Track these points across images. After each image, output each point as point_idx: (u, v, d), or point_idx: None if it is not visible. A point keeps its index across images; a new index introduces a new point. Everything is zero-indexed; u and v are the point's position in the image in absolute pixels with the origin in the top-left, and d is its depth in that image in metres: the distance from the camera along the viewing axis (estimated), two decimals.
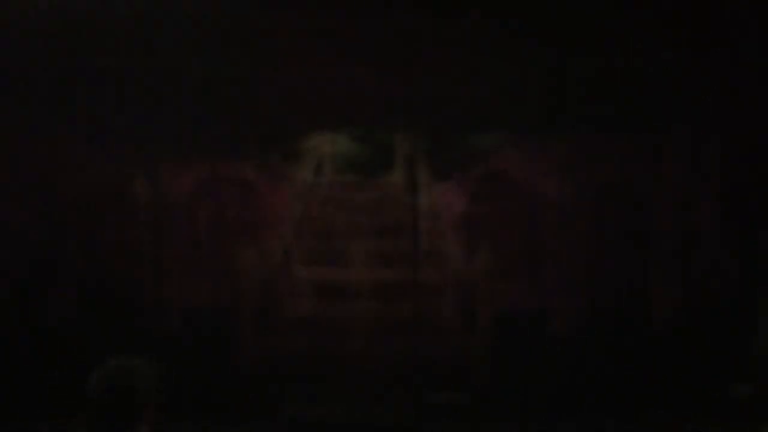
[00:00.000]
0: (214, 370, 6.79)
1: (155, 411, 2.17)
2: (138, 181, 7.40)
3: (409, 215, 7.21)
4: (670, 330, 6.86)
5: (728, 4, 5.76)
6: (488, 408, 6.32)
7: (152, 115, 6.63)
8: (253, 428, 6.38)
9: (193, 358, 6.80)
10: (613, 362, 6.61)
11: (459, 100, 6.56)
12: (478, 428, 6.16)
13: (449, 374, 6.55)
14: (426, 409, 6.20)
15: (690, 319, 6.83)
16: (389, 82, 6.26)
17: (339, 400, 6.36)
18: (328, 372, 6.65)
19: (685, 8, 5.81)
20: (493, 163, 7.34)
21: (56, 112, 6.64)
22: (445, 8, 5.49)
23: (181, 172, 7.39)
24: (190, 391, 5.93)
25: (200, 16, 5.71)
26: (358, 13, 5.60)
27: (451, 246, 7.00)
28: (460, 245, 7.09)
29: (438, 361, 6.57)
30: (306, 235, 7.68)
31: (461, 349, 6.62)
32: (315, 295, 7.02)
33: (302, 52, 6.08)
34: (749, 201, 6.57)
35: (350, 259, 7.29)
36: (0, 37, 5.38)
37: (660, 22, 5.89)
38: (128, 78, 6.38)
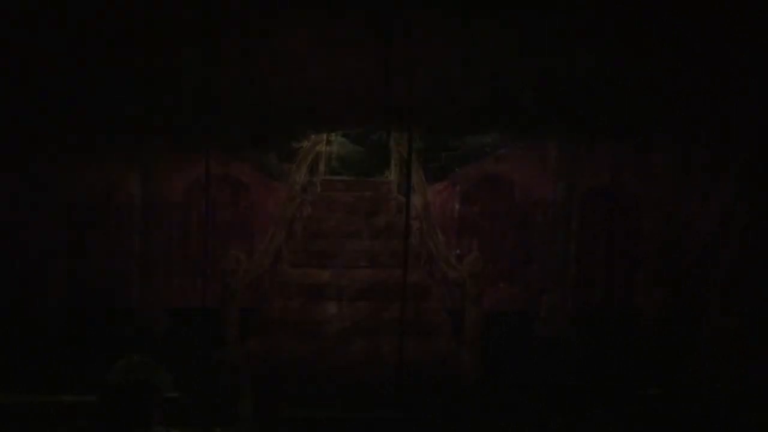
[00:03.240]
0: (202, 371, 6.76)
1: (164, 409, 2.16)
2: (130, 181, 7.35)
3: (402, 216, 7.20)
4: (657, 329, 6.93)
5: (717, 11, 5.82)
6: (476, 408, 6.33)
7: (146, 115, 6.59)
8: (243, 428, 6.36)
9: (181, 358, 6.76)
10: (601, 361, 6.65)
11: (453, 102, 6.58)
12: (467, 428, 6.18)
13: (437, 375, 6.55)
14: (412, 409, 6.20)
15: (676, 318, 6.90)
16: (384, 82, 6.25)
17: (328, 401, 6.35)
18: (317, 372, 6.63)
19: (677, 13, 5.86)
20: (486, 165, 7.37)
21: (49, 112, 6.59)
22: (444, 9, 5.49)
23: (173, 173, 7.34)
24: (179, 391, 5.88)
25: (197, 15, 5.67)
26: (356, 12, 5.59)
27: (443, 246, 7.01)
28: (452, 246, 7.10)
29: (426, 362, 6.57)
30: (298, 235, 7.67)
31: (450, 350, 6.62)
32: (306, 295, 7.00)
33: (297, 52, 6.06)
34: (739, 202, 6.65)
35: (342, 260, 7.28)
36: None
37: (653, 26, 5.94)
38: (123, 78, 6.35)
